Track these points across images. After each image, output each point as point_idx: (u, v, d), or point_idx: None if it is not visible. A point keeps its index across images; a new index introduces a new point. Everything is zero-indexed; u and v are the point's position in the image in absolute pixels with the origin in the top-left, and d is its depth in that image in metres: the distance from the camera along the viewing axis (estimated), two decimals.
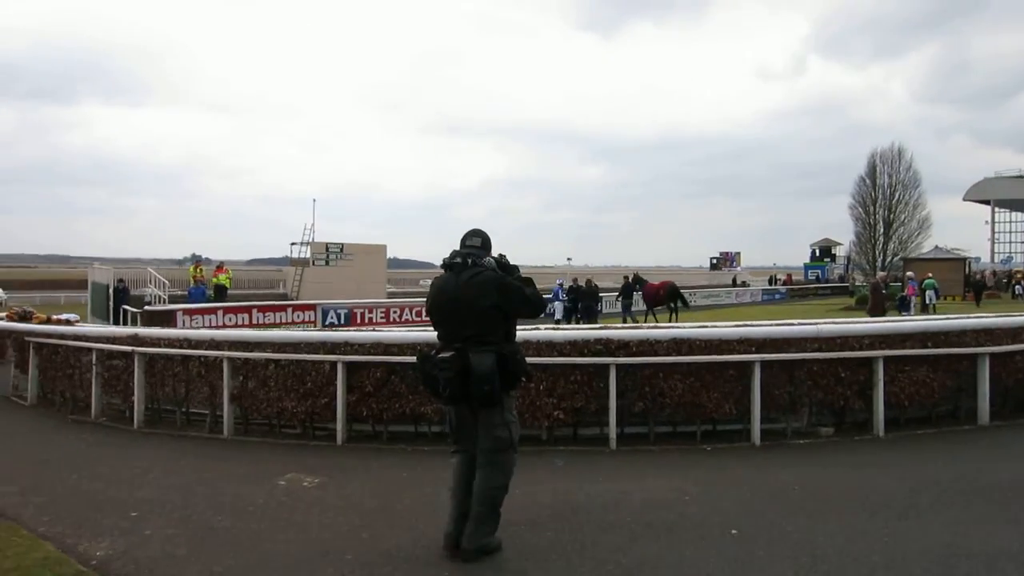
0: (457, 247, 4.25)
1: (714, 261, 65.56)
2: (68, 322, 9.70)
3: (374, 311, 27.34)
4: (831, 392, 7.13)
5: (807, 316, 27.97)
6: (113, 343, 8.64)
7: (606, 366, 6.84)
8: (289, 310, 25.25)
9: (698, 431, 7.08)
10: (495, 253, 4.29)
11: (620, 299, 26.93)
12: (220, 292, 26.75)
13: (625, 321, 24.28)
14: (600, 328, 7.23)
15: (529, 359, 6.69)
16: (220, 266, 28.69)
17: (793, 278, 57.61)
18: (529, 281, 4.23)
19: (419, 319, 28.21)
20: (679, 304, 25.33)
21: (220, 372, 7.75)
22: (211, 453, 7.29)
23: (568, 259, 43.96)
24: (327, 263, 32.22)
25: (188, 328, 22.01)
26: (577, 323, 23.49)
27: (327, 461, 6.73)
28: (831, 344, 7.12)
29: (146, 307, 21.97)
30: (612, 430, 6.85)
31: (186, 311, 22.78)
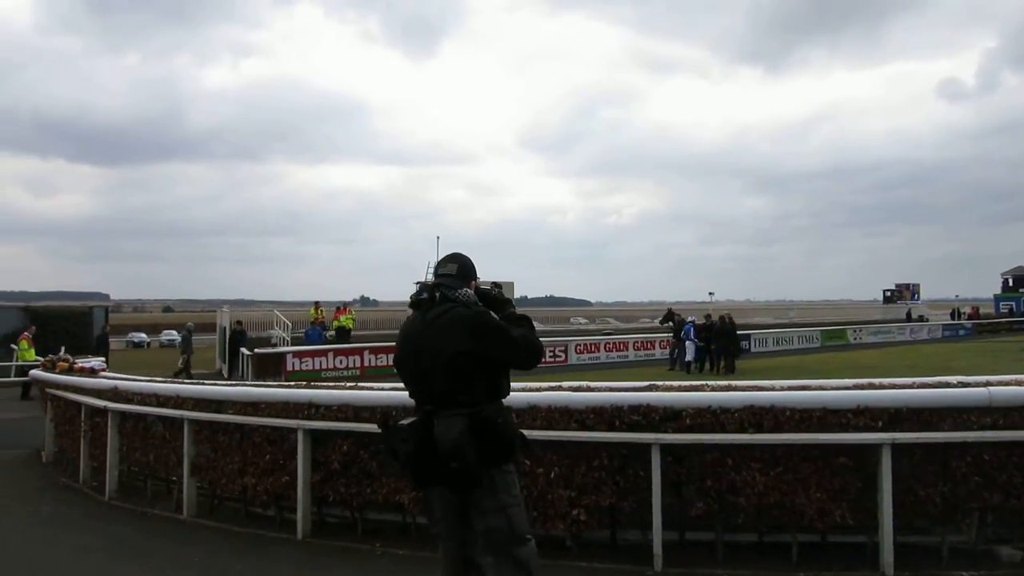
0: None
1: (888, 294, 58.68)
2: (92, 371, 8.71)
3: None
4: (1016, 493, 4.48)
5: (997, 357, 23.35)
6: (97, 397, 7.47)
7: (646, 446, 4.63)
8: None
9: (794, 545, 4.67)
10: (491, 282, 3.56)
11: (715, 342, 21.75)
12: (342, 334, 26.29)
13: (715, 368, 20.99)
14: (643, 387, 4.98)
15: (537, 433, 4.80)
16: (342, 307, 28.38)
17: (980, 311, 50.10)
18: (522, 320, 3.27)
19: (552, 362, 26.48)
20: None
21: (182, 436, 6.30)
22: (160, 540, 5.81)
23: (710, 294, 40.39)
24: None
25: (294, 369, 21.58)
26: (712, 367, 20.67)
27: (277, 567, 5.04)
28: (1012, 417, 4.47)
29: (256, 350, 21.70)
30: (657, 542, 4.60)
31: (296, 353, 22.35)
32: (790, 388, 4.83)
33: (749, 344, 29.42)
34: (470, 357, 3.06)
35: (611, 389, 5.08)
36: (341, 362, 22.74)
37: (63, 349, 18.44)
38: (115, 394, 7.25)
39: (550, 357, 26.63)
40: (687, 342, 21.38)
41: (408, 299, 3.39)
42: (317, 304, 28.59)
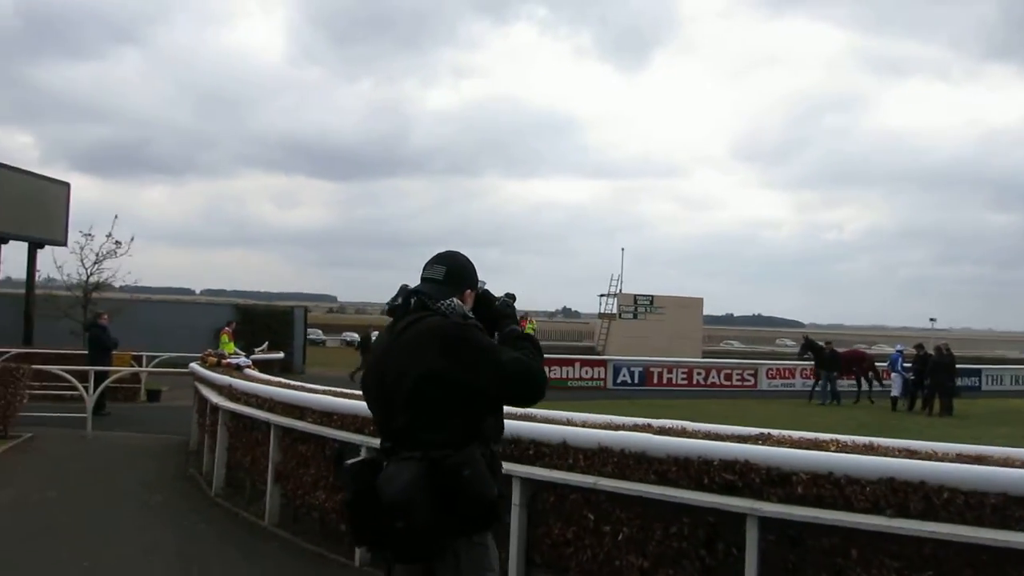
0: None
1: None
2: (238, 368, 8.94)
3: (674, 371, 24.43)
4: None
5: None
6: (218, 393, 7.54)
7: (740, 517, 3.53)
8: (577, 365, 23.62)
9: None
10: (506, 293, 2.72)
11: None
12: None
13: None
14: (752, 435, 3.86)
15: (607, 483, 3.88)
16: (523, 317, 28.26)
17: None
18: (523, 340, 2.49)
19: (729, 384, 24.64)
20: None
21: (270, 440, 6.07)
22: (230, 547, 5.63)
23: (931, 320, 35.34)
24: (635, 316, 30.17)
25: None
26: (925, 406, 17.81)
27: None
28: None
29: None
30: None
31: None
32: (959, 457, 3.46)
33: (979, 381, 25.37)
34: (439, 382, 2.30)
35: (710, 435, 3.99)
36: None
37: (266, 344, 20.05)
38: (229, 392, 7.25)
39: (737, 380, 24.71)
40: (894, 374, 18.60)
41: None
42: None
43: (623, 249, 33.66)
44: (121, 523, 6.21)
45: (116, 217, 20.61)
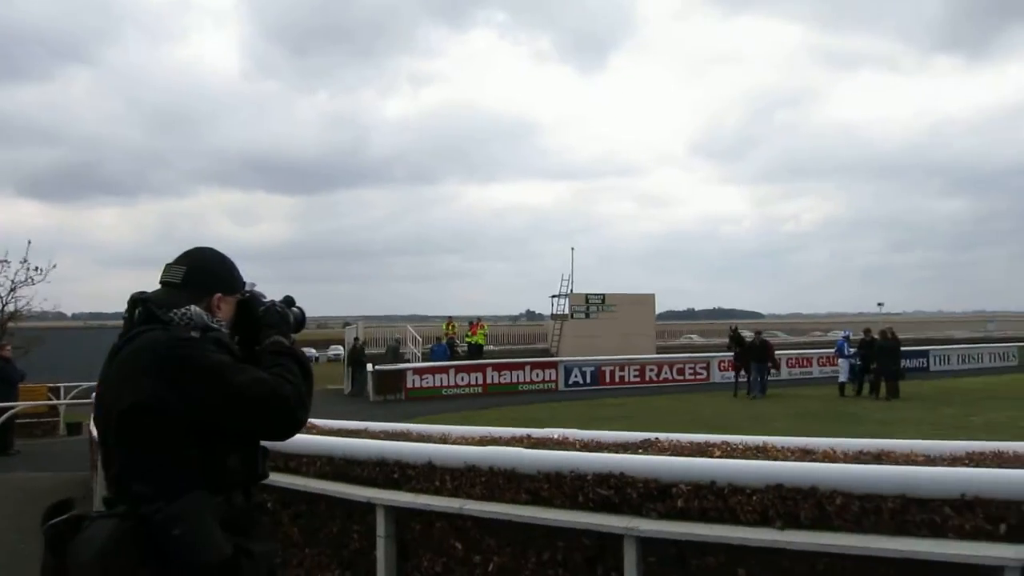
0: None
1: None
2: None
3: (626, 369, 24.10)
4: None
5: None
6: None
7: (618, 537, 3.06)
8: (527, 368, 23.18)
9: None
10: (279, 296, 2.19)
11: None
12: (475, 350, 25.65)
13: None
14: (637, 441, 3.41)
15: (473, 506, 3.39)
16: (475, 323, 27.73)
17: None
18: (285, 357, 1.96)
19: (682, 378, 24.41)
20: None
21: None
22: None
23: (879, 304, 35.56)
24: (587, 315, 29.79)
25: (414, 386, 21.03)
26: (872, 390, 17.72)
27: None
28: None
29: (376, 367, 21.44)
30: None
31: (416, 370, 21.91)
32: (859, 456, 3.05)
33: (927, 361, 25.54)
34: (150, 414, 1.79)
35: (589, 444, 3.52)
36: (463, 379, 22.04)
37: None
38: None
39: (690, 375, 24.49)
40: (841, 360, 18.51)
41: None
42: (450, 320, 28.21)
43: (573, 249, 33.34)
44: None
45: (30, 243, 19.57)
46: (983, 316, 66.94)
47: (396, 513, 3.72)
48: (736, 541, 2.86)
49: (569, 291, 30.27)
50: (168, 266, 2.04)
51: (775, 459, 3.07)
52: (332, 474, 3.91)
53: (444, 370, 22.13)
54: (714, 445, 3.30)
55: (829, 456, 3.07)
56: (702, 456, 3.17)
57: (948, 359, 26.12)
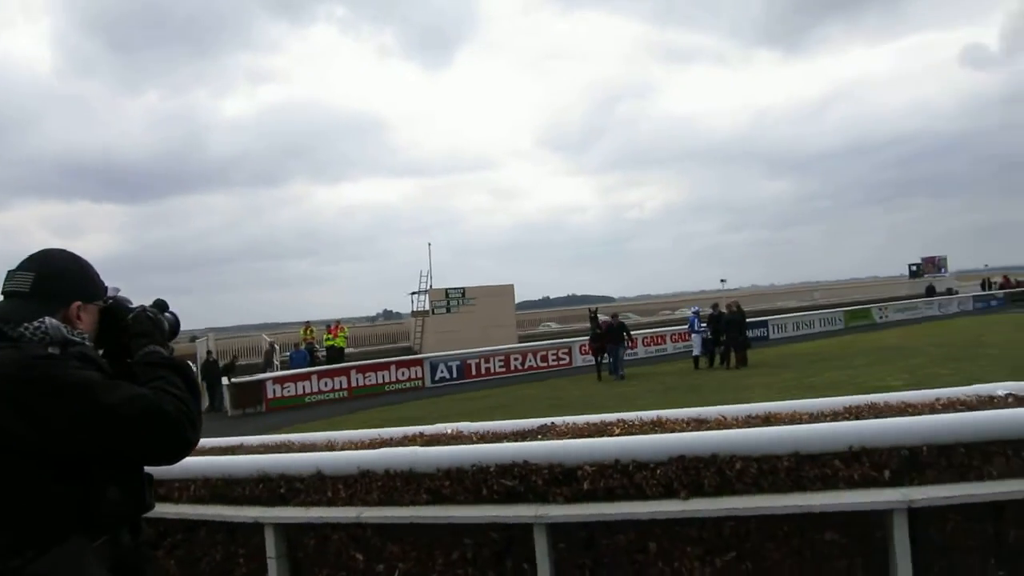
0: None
1: (914, 268, 55.75)
2: None
3: (491, 360, 24.20)
4: None
5: None
6: None
7: (526, 528, 2.99)
8: (393, 367, 22.71)
9: None
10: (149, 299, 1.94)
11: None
12: (335, 354, 24.82)
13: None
14: (533, 428, 3.33)
15: (372, 512, 3.19)
16: (333, 326, 26.86)
17: (1013, 280, 47.29)
18: (165, 367, 1.71)
19: (546, 365, 24.86)
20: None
21: None
22: None
23: (722, 281, 38.17)
24: (448, 310, 29.78)
25: (275, 396, 20.13)
26: (723, 361, 18.85)
27: None
28: None
29: (233, 379, 20.27)
30: None
31: (276, 379, 20.88)
32: (748, 420, 3.15)
33: (767, 331, 27.54)
34: (10, 451, 1.51)
35: (487, 436, 3.43)
36: (326, 384, 21.24)
37: None
38: None
39: (553, 361, 25.04)
40: (693, 335, 19.57)
41: None
42: (307, 325, 27.21)
43: (430, 244, 33.19)
44: None
45: None
46: (808, 287, 73.27)
47: (286, 530, 3.46)
48: (644, 516, 2.88)
49: (429, 287, 30.13)
50: (11, 273, 1.73)
51: (672, 431, 3.11)
52: (210, 497, 3.58)
53: (306, 377, 21.25)
54: (612, 424, 3.31)
55: (722, 423, 3.16)
56: (602, 436, 3.16)
57: (785, 327, 28.32)
